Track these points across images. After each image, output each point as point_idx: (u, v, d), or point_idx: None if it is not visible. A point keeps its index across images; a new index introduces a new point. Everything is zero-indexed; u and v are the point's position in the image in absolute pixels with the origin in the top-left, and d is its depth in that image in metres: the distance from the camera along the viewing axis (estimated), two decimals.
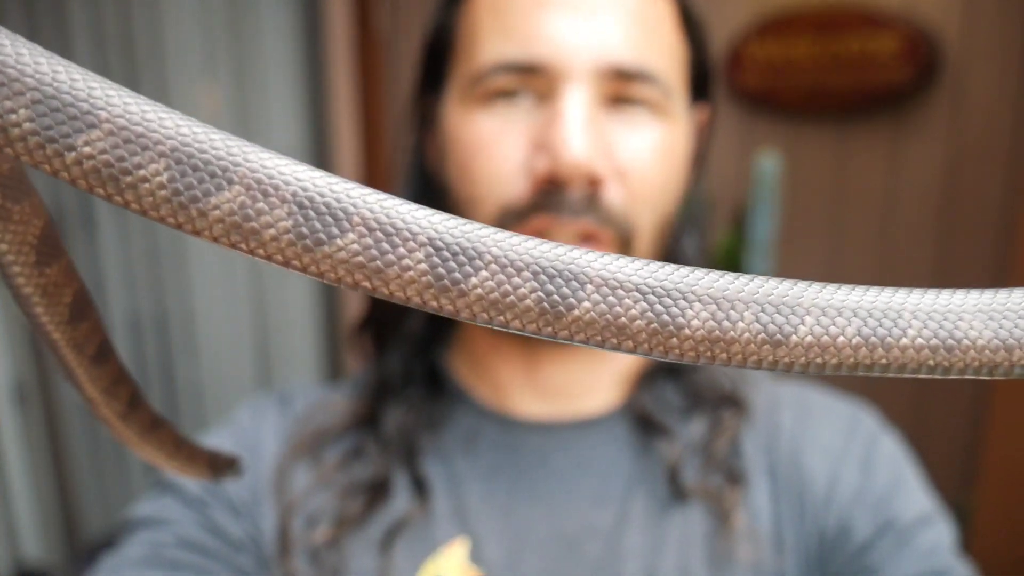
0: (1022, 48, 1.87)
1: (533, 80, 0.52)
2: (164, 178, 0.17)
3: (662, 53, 0.54)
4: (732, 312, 0.19)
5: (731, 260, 1.99)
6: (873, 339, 0.19)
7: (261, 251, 0.17)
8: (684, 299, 0.18)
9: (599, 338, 0.18)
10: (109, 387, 0.26)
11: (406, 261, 0.18)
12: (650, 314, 0.18)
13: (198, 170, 0.17)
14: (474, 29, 0.55)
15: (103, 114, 0.16)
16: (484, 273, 0.18)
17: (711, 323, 0.18)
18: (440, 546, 0.56)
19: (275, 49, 2.17)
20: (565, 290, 0.18)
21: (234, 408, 0.66)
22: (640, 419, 0.59)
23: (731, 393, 0.60)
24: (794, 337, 0.19)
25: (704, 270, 0.19)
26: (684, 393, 0.61)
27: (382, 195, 0.18)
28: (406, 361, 0.62)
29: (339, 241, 0.17)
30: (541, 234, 0.52)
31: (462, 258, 0.18)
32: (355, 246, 0.17)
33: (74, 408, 2.03)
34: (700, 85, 0.60)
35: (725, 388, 0.61)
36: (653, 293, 0.18)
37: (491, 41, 0.53)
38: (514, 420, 0.60)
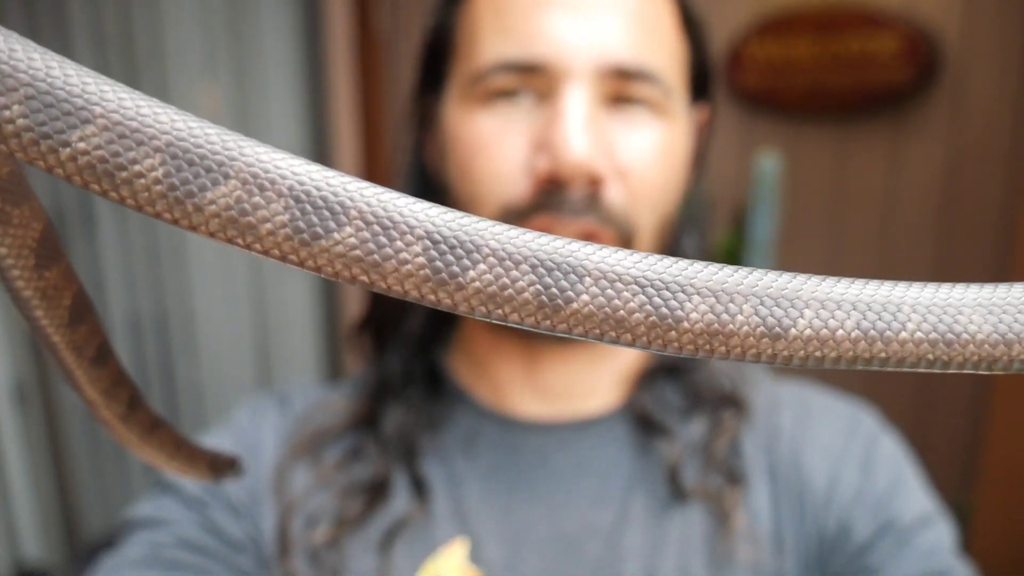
0: (1022, 48, 1.87)
1: (533, 79, 0.52)
2: (160, 173, 0.16)
3: (662, 52, 0.54)
4: (731, 305, 0.18)
5: (731, 260, 1.99)
6: (872, 332, 0.19)
7: (258, 246, 0.17)
8: (683, 292, 0.18)
9: (598, 331, 0.18)
10: (109, 389, 0.26)
11: (404, 255, 0.18)
12: (649, 307, 0.18)
13: (194, 165, 0.17)
14: (474, 28, 0.55)
15: (97, 109, 0.16)
16: (482, 266, 0.18)
17: (710, 316, 0.18)
18: (440, 546, 0.56)
19: (275, 49, 2.17)
20: (564, 283, 0.18)
21: (234, 408, 0.66)
22: (640, 419, 0.59)
23: (731, 393, 0.60)
24: (793, 330, 0.19)
25: (703, 263, 0.19)
26: (684, 393, 0.61)
27: (379, 188, 0.18)
28: (406, 361, 0.62)
29: (336, 235, 0.17)
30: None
31: (460, 251, 0.18)
32: (352, 240, 0.17)
33: (74, 408, 2.03)
34: (700, 85, 0.60)
35: (725, 388, 0.61)
36: (652, 286, 0.18)
37: (491, 40, 0.53)
38: (514, 420, 0.60)
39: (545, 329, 0.18)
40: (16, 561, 1.89)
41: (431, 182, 0.62)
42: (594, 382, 0.61)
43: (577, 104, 0.50)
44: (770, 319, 0.18)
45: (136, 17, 2.02)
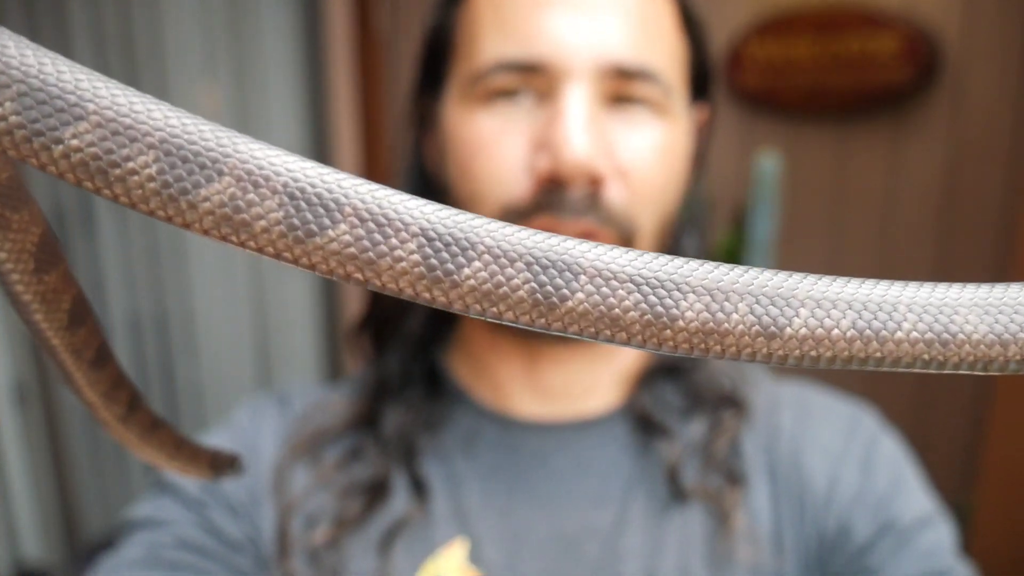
0: (1022, 48, 1.87)
1: (534, 79, 0.52)
2: (153, 170, 0.16)
3: (662, 52, 0.54)
4: (726, 304, 0.18)
5: (731, 260, 1.98)
6: (868, 332, 0.19)
7: (252, 243, 0.17)
8: (678, 290, 0.18)
9: (592, 329, 0.18)
10: (108, 391, 0.26)
11: (398, 252, 0.17)
12: (644, 305, 0.18)
13: (188, 162, 0.16)
14: (474, 28, 0.55)
15: (91, 106, 0.16)
16: (477, 264, 0.18)
17: (705, 315, 0.18)
18: (439, 547, 0.55)
19: (275, 49, 2.17)
20: (558, 281, 0.18)
21: (234, 408, 0.66)
22: (640, 420, 0.59)
23: (731, 393, 0.60)
24: (788, 330, 0.18)
25: (698, 261, 0.19)
26: (684, 393, 0.61)
27: (374, 185, 0.18)
28: (405, 361, 0.62)
29: (330, 232, 0.17)
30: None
31: (454, 248, 0.18)
32: (347, 237, 0.17)
33: (74, 408, 2.03)
34: (700, 85, 0.60)
35: (725, 389, 0.61)
36: (647, 284, 0.18)
37: (491, 40, 0.53)
38: (513, 420, 0.60)
39: (540, 328, 0.18)
40: (16, 561, 1.89)
41: (431, 182, 0.62)
42: (594, 382, 0.61)
43: (577, 103, 0.50)
44: (765, 318, 0.18)
45: (136, 17, 2.02)
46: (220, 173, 0.17)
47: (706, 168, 0.66)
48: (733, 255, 1.99)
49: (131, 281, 2.12)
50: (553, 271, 0.18)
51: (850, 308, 0.19)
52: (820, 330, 0.18)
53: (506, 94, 0.53)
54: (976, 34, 1.90)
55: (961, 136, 1.95)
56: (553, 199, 0.51)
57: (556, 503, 0.57)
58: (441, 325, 0.64)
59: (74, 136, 0.16)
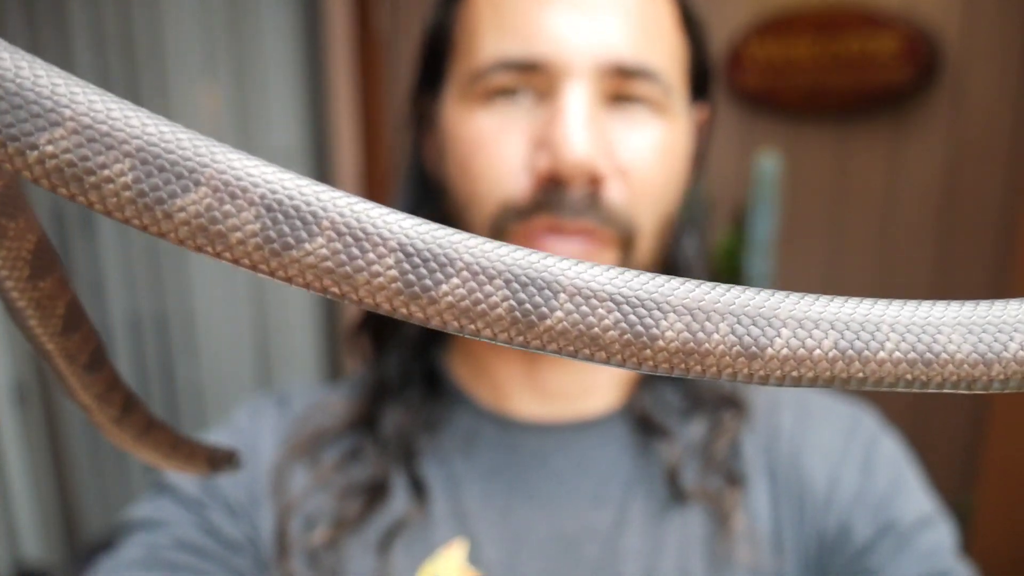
0: (1022, 48, 1.87)
1: (533, 78, 0.52)
2: (129, 178, 0.16)
3: (662, 51, 0.54)
4: (707, 324, 0.18)
5: (731, 260, 1.99)
6: (850, 352, 0.18)
7: (228, 255, 0.17)
8: (659, 309, 0.18)
9: (572, 348, 0.18)
10: (102, 394, 0.26)
11: (375, 267, 0.17)
12: (624, 324, 0.18)
13: (164, 171, 0.16)
14: (474, 27, 0.55)
15: (67, 112, 0.16)
16: (455, 280, 0.18)
17: (686, 334, 0.18)
18: (438, 547, 0.55)
19: (275, 49, 2.17)
20: (538, 299, 0.18)
21: (234, 408, 0.65)
22: (640, 420, 0.59)
23: (731, 394, 0.60)
24: (770, 350, 0.18)
25: (680, 279, 0.19)
26: (684, 394, 0.61)
27: (353, 199, 0.18)
28: (405, 362, 0.62)
29: (307, 246, 0.17)
30: (543, 233, 0.52)
31: (433, 264, 0.17)
32: (324, 251, 0.17)
33: (74, 409, 2.02)
34: (700, 84, 0.60)
35: (725, 389, 0.61)
36: (627, 303, 0.18)
37: (491, 39, 0.53)
38: (513, 421, 0.60)
39: (519, 345, 0.18)
40: (16, 561, 1.89)
41: (430, 182, 0.62)
42: (593, 383, 0.61)
43: (577, 102, 0.50)
44: (746, 338, 0.18)
45: (136, 17, 2.02)
46: (197, 183, 0.16)
47: (706, 168, 0.66)
48: (733, 255, 1.99)
49: (131, 281, 2.12)
50: (532, 288, 0.18)
51: (832, 328, 0.18)
52: (802, 350, 0.18)
53: (506, 93, 0.53)
54: (976, 34, 1.90)
55: (961, 136, 1.95)
56: (553, 198, 0.51)
57: (556, 504, 0.57)
58: None
59: (49, 142, 0.16)
